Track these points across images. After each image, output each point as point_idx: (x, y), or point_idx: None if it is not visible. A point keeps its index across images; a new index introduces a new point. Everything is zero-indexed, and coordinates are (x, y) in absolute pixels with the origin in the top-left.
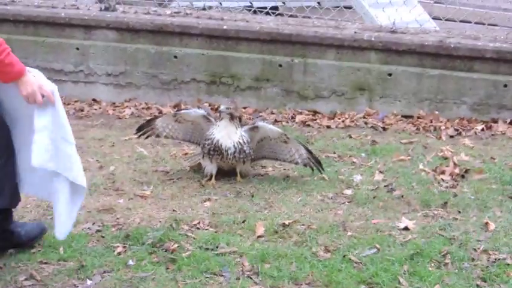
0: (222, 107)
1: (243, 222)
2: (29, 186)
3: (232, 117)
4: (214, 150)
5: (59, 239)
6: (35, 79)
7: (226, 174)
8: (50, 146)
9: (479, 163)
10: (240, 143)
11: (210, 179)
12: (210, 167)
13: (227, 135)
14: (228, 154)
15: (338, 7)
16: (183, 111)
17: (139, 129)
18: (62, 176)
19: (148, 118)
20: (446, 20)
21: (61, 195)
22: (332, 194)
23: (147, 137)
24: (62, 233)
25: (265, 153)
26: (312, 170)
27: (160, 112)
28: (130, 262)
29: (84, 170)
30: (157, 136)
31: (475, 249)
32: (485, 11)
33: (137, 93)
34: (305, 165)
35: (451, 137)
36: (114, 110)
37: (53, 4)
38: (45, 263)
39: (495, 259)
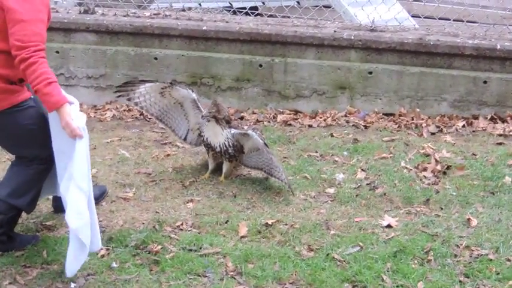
0: (204, 112)
1: (226, 222)
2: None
3: (216, 120)
4: (208, 147)
5: (66, 276)
6: (68, 113)
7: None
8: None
9: (460, 159)
10: (225, 144)
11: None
12: (209, 161)
13: (214, 135)
14: (217, 152)
15: (317, 6)
16: (176, 86)
17: (124, 84)
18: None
19: (138, 79)
20: (425, 17)
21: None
22: (315, 193)
23: (119, 96)
24: (68, 271)
25: (261, 164)
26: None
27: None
28: (114, 264)
29: None
30: (129, 100)
31: (457, 246)
32: (463, 8)
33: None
34: (286, 183)
35: (432, 134)
36: (95, 112)
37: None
38: (29, 267)
39: (478, 255)
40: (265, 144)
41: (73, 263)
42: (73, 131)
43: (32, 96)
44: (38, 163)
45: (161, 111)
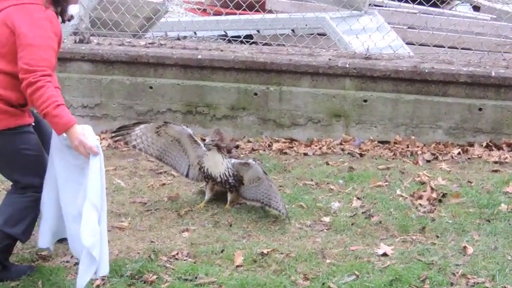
0: (207, 140)
1: (222, 251)
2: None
3: (219, 148)
4: (208, 177)
5: None
6: (80, 133)
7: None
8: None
9: (456, 187)
10: (225, 174)
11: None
12: (206, 191)
13: (214, 165)
14: (217, 182)
15: (312, 34)
16: (169, 124)
17: (119, 129)
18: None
19: (132, 122)
20: (420, 45)
21: (84, 253)
22: (310, 221)
23: (116, 141)
24: (78, 285)
25: (259, 196)
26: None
27: None
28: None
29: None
30: (126, 144)
31: (453, 274)
32: (458, 36)
33: (113, 125)
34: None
35: (428, 161)
36: None
37: None
38: None
39: (474, 283)
40: (264, 173)
41: (83, 277)
42: (89, 149)
43: (33, 124)
44: (33, 191)
45: (160, 151)
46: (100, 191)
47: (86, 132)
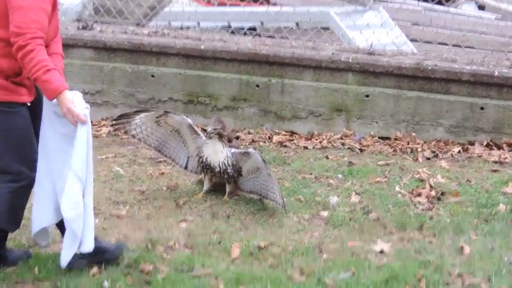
0: (209, 128)
1: (219, 243)
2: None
3: (220, 136)
4: (206, 168)
5: (61, 266)
6: (69, 99)
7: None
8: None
9: (455, 186)
10: (224, 163)
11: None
12: (205, 182)
13: (214, 153)
14: (216, 172)
15: (316, 28)
16: (170, 113)
17: (119, 117)
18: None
19: (133, 110)
20: (423, 42)
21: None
22: (308, 215)
23: (116, 129)
24: (62, 261)
25: (257, 187)
26: (285, 209)
27: None
28: (105, 283)
29: None
30: (126, 133)
31: (449, 273)
32: (462, 34)
33: (114, 112)
34: (280, 204)
35: (428, 159)
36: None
37: None
38: (21, 283)
39: (470, 283)
40: (264, 161)
41: (66, 252)
42: (76, 117)
43: (29, 104)
44: (10, 179)
45: (159, 142)
46: (85, 162)
47: (75, 99)
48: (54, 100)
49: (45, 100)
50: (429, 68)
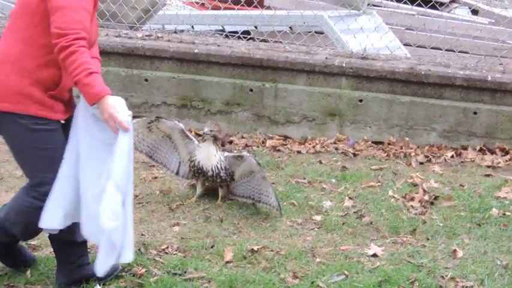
0: (206, 129)
1: (212, 247)
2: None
3: (215, 139)
4: (198, 172)
5: (98, 275)
6: (111, 105)
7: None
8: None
9: (448, 190)
10: (217, 167)
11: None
12: (197, 187)
13: (207, 157)
14: (208, 176)
15: (309, 32)
16: (161, 119)
17: None
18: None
19: None
20: (417, 46)
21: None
22: (301, 219)
23: None
24: (99, 271)
25: (249, 191)
26: (280, 213)
27: None
28: (98, 287)
29: None
30: None
31: (442, 277)
32: (456, 39)
33: None
34: (274, 207)
35: (421, 163)
36: None
37: None
38: (12, 286)
39: (462, 286)
40: (258, 164)
41: (103, 263)
42: (119, 124)
43: (62, 122)
44: (36, 196)
45: (150, 147)
46: (126, 172)
47: (117, 106)
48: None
49: (82, 103)
50: (422, 73)
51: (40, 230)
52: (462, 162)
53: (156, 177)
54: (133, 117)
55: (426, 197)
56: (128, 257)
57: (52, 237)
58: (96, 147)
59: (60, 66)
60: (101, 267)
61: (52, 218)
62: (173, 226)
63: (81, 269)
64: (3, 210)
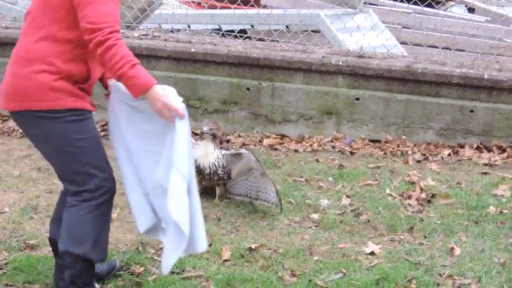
0: (205, 128)
1: (210, 246)
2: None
3: (214, 137)
4: (195, 170)
5: (164, 273)
6: (162, 94)
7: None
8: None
9: (445, 188)
10: (215, 165)
11: None
12: None
13: (205, 154)
14: (205, 174)
15: (306, 31)
16: None
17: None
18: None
19: None
20: (413, 45)
21: (170, 229)
22: (299, 218)
23: (104, 135)
24: (165, 268)
25: (246, 190)
26: (280, 209)
27: None
28: (96, 285)
29: (50, 192)
30: None
31: (440, 274)
32: (452, 37)
33: (105, 116)
34: (273, 203)
35: (418, 161)
36: None
37: (20, 26)
38: (11, 286)
39: (460, 284)
40: (257, 161)
41: (171, 257)
42: (175, 111)
43: (94, 113)
44: (85, 199)
45: None
46: (187, 159)
47: (169, 94)
48: (130, 95)
49: (117, 100)
50: (419, 71)
51: (107, 244)
52: (459, 160)
53: None
54: None
55: (423, 195)
56: (202, 245)
57: (82, 258)
58: (143, 140)
59: (87, 61)
60: (167, 263)
61: (145, 219)
62: None
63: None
64: (61, 240)
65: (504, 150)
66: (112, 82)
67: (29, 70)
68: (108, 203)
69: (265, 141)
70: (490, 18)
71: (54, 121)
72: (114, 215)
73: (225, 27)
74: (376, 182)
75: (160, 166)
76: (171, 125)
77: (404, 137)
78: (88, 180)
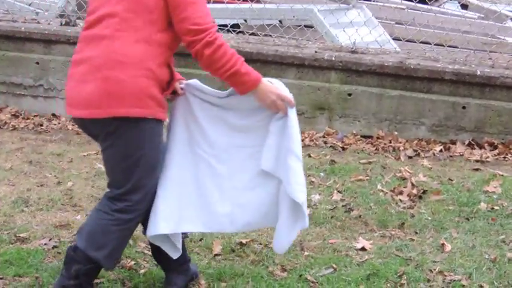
0: None
1: (200, 240)
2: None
3: None
4: None
5: (276, 253)
6: (273, 86)
7: None
8: (304, 182)
9: (436, 184)
10: None
11: None
12: None
13: None
14: None
15: (299, 26)
16: None
17: None
18: (282, 188)
19: None
20: (406, 41)
21: (282, 209)
22: None
23: None
24: (278, 248)
25: None
26: None
27: None
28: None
29: (41, 185)
30: None
31: (430, 270)
32: (445, 33)
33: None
34: None
35: (410, 157)
36: (73, 125)
37: (14, 18)
38: (1, 278)
39: (450, 280)
40: None
41: (286, 239)
42: (289, 102)
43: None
44: (118, 210)
45: None
46: (300, 144)
47: (277, 85)
48: (215, 93)
49: (194, 100)
50: (412, 67)
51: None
52: (451, 156)
53: None
54: None
55: (415, 191)
56: (307, 221)
57: (94, 261)
58: (233, 136)
59: (170, 65)
60: (284, 245)
61: (164, 225)
62: None
63: None
64: (81, 237)
65: (496, 147)
66: (186, 83)
67: (130, 74)
68: (137, 220)
69: None
70: (483, 15)
71: (140, 129)
72: None
73: (217, 22)
74: (367, 177)
75: (260, 157)
76: (267, 119)
77: (396, 133)
78: (134, 191)
